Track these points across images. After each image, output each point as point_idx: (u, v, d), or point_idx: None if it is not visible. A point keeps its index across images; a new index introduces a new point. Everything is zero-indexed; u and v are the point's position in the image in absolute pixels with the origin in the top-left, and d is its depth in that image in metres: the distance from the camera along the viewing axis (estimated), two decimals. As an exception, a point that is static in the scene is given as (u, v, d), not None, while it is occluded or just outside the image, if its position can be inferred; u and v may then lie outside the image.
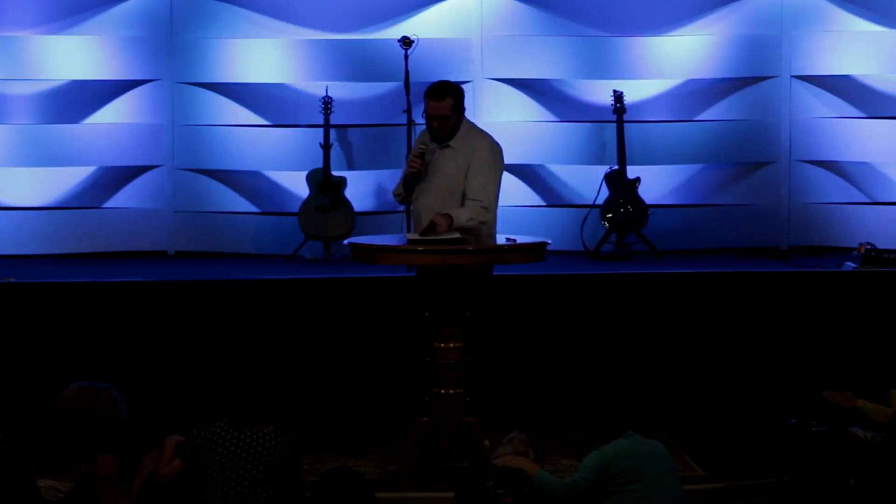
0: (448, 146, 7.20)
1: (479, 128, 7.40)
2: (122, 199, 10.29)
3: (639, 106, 10.42)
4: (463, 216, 6.99)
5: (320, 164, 10.02)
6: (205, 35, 10.26)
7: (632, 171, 10.12)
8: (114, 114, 10.25)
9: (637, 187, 10.08)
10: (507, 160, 10.25)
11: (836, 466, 6.23)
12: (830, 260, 9.55)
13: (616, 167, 10.11)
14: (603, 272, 8.90)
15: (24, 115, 10.22)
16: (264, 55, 10.29)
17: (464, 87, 10.22)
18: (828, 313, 8.55)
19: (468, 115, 10.07)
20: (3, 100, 10.18)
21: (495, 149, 7.26)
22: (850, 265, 9.09)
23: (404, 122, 9.51)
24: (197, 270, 9.26)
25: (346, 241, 7.18)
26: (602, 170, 10.17)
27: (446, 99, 7.18)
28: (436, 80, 10.09)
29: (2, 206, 10.22)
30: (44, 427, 5.08)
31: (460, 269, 6.86)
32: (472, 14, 10.36)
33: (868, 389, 7.08)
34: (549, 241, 7.10)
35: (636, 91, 10.39)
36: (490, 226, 7.15)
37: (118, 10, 10.19)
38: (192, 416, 6.34)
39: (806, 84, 10.49)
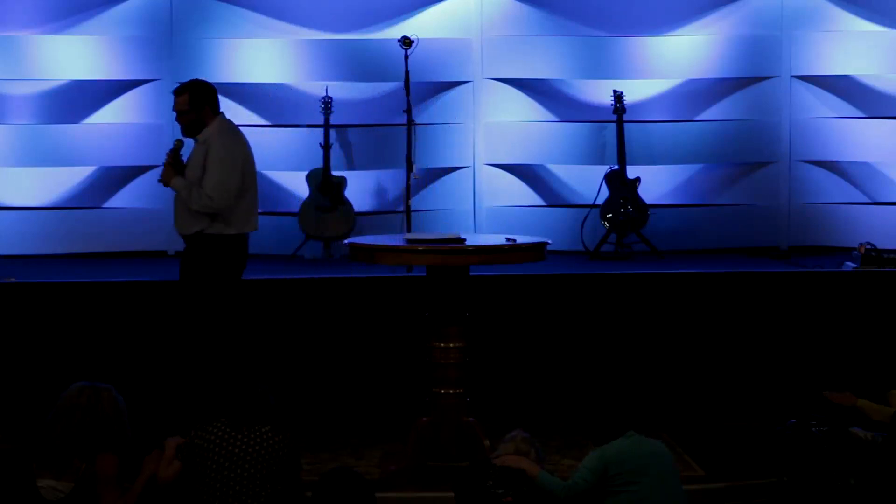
0: (196, 140, 7.47)
1: (231, 128, 7.55)
2: (122, 199, 10.29)
3: (639, 106, 10.42)
4: (181, 183, 7.33)
5: (320, 164, 10.01)
6: (205, 35, 10.25)
7: (632, 171, 10.11)
8: (114, 114, 10.24)
9: (637, 187, 10.07)
10: (508, 160, 10.43)
11: (836, 466, 6.23)
12: (830, 260, 9.54)
13: (616, 167, 10.10)
14: (603, 272, 8.89)
15: (24, 115, 10.21)
16: (264, 55, 10.28)
17: (464, 87, 10.42)
18: (828, 313, 8.55)
19: (467, 114, 10.31)
20: (3, 100, 10.17)
21: (227, 148, 7.40)
22: (850, 265, 9.09)
23: (404, 122, 9.50)
24: (197, 270, 9.24)
25: (345, 241, 7.20)
26: (602, 170, 10.16)
27: (184, 95, 7.46)
28: (436, 80, 10.29)
29: (2, 206, 10.21)
30: (44, 427, 5.07)
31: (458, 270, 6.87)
32: (472, 14, 10.35)
33: (868, 389, 7.08)
34: (549, 241, 7.11)
35: (636, 91, 10.38)
36: (234, 215, 7.35)
37: (118, 10, 10.18)
38: (192, 417, 6.34)
39: (806, 84, 10.48)
